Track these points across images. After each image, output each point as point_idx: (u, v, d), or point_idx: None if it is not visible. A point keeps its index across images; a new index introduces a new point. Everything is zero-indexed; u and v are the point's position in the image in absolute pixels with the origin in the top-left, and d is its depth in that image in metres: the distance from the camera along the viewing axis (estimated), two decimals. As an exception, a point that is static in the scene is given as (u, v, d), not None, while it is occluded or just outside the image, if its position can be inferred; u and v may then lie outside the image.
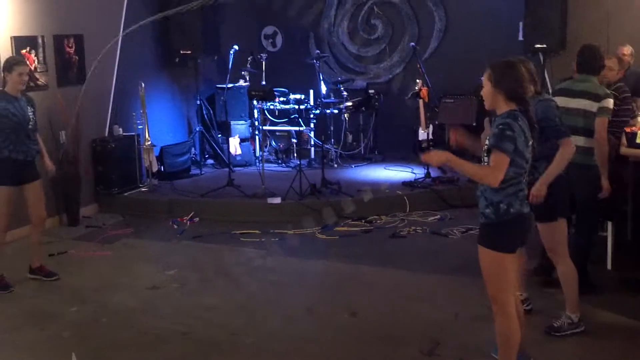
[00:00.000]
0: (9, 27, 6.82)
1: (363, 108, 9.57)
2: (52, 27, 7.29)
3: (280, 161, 9.62)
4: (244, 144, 9.45)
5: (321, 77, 9.57)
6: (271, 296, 5.33)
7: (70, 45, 7.52)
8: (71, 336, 4.68)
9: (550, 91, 5.81)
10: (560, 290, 4.58)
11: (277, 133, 9.66)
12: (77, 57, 7.60)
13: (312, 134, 9.46)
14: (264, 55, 9.79)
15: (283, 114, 9.42)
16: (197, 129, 9.60)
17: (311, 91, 9.72)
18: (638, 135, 5.54)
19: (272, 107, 9.39)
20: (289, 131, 9.53)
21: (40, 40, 7.13)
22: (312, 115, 9.33)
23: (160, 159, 8.70)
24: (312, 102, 9.58)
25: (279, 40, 10.73)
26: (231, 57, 8.91)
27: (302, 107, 9.22)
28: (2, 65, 5.55)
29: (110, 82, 8.14)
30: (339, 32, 10.46)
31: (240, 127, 9.47)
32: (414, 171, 8.71)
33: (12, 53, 6.71)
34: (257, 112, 9.32)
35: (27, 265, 5.75)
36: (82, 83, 7.65)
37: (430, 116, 8.66)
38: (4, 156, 5.33)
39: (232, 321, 4.85)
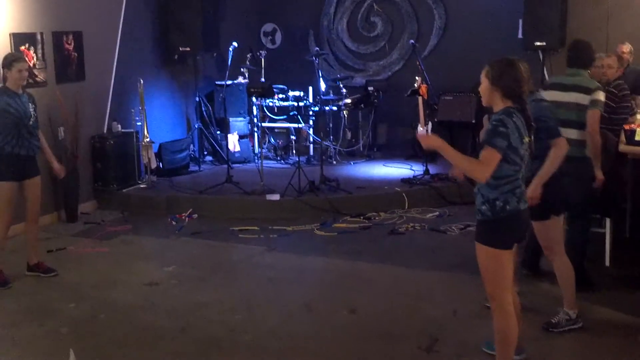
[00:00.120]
0: (8, 24, 6.81)
1: (362, 105, 9.57)
2: (51, 23, 7.28)
3: (279, 158, 9.62)
4: (243, 140, 9.45)
5: (320, 74, 9.54)
6: (270, 293, 5.33)
7: (69, 42, 7.51)
8: (69, 332, 4.68)
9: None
10: (556, 285, 4.59)
11: (276, 130, 9.66)
12: (76, 54, 7.59)
13: (311, 131, 9.45)
14: (263, 53, 9.78)
15: (282, 111, 9.42)
16: (196, 126, 9.60)
17: (310, 88, 9.72)
18: (637, 132, 5.55)
19: (271, 104, 9.39)
20: (287, 128, 9.53)
21: (39, 37, 7.12)
22: (311, 112, 9.32)
23: (159, 155, 8.69)
24: (311, 99, 9.58)
25: (278, 37, 10.73)
26: (230, 54, 8.90)
27: (301, 104, 9.22)
28: (1, 62, 5.53)
29: (109, 78, 8.13)
30: (338, 29, 10.45)
31: (239, 124, 9.47)
32: (413, 168, 8.72)
33: (11, 50, 6.70)
34: (256, 109, 9.31)
35: (25, 262, 5.75)
36: (81, 80, 7.65)
37: (429, 113, 8.66)
38: (6, 152, 5.34)
39: (230, 318, 4.85)
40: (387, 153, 9.67)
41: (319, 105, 9.25)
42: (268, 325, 4.73)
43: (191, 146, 9.45)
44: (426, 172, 8.16)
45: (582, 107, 4.86)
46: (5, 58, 5.53)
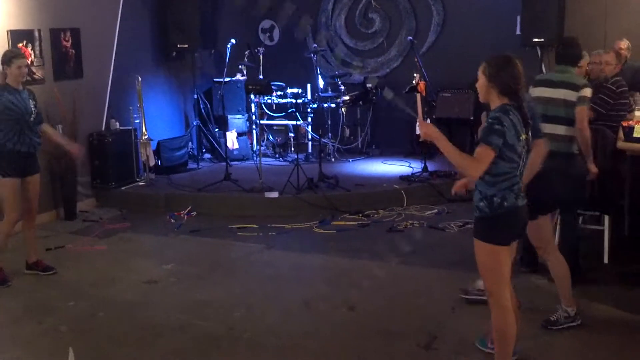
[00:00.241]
0: (5, 21, 6.79)
1: (360, 102, 9.56)
2: (49, 20, 7.27)
3: (277, 155, 9.62)
4: (241, 138, 9.45)
5: (318, 71, 9.55)
6: (269, 290, 5.33)
7: (67, 39, 7.50)
8: (69, 330, 4.68)
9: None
10: (554, 282, 4.60)
11: (275, 127, 9.65)
12: (73, 51, 7.58)
13: (309, 128, 9.45)
14: (261, 49, 9.77)
15: (280, 108, 9.42)
16: (195, 123, 9.59)
17: (308, 85, 9.71)
18: (635, 129, 5.55)
19: (269, 101, 9.38)
20: (286, 125, 9.52)
21: (36, 34, 7.11)
22: (309, 110, 9.32)
23: (157, 153, 8.68)
24: (309, 96, 9.57)
25: (276, 34, 10.71)
26: (228, 51, 8.89)
27: (299, 101, 9.21)
28: (0, 59, 5.52)
29: (107, 76, 8.12)
30: (336, 25, 10.44)
31: (237, 121, 9.46)
32: (411, 165, 8.72)
33: (9, 47, 6.69)
34: (255, 106, 9.30)
35: (23, 260, 5.74)
36: (79, 77, 7.64)
37: (427, 110, 8.66)
38: (8, 149, 5.34)
39: (229, 315, 4.85)
40: (386, 150, 9.67)
41: (317, 102, 9.25)
42: (267, 322, 4.73)
43: (190, 144, 9.44)
44: (424, 169, 8.17)
45: (569, 104, 4.92)
46: (5, 55, 5.52)
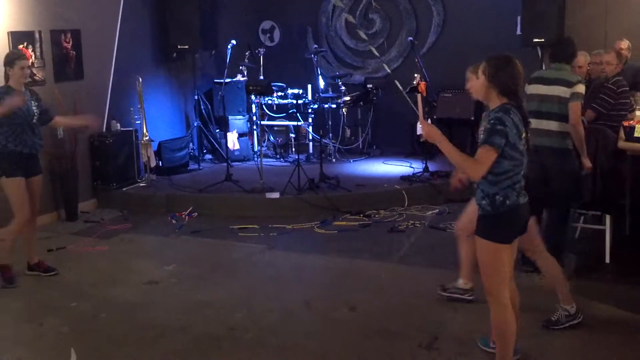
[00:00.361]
0: (5, 23, 6.80)
1: (361, 103, 9.57)
2: (49, 22, 7.27)
3: (278, 156, 9.62)
4: (242, 138, 9.45)
5: (319, 72, 9.55)
6: (270, 291, 5.33)
7: (67, 41, 7.50)
8: (70, 331, 4.68)
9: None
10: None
11: (275, 128, 9.66)
12: (74, 52, 7.59)
13: (310, 129, 9.46)
14: (261, 50, 9.77)
15: (281, 108, 9.42)
16: (195, 124, 9.60)
17: (309, 86, 9.71)
18: (636, 129, 5.55)
19: (270, 102, 9.39)
20: (287, 126, 9.53)
21: (37, 36, 7.11)
22: (310, 110, 9.32)
23: (158, 154, 8.69)
24: (310, 97, 9.58)
25: (276, 34, 10.72)
26: (229, 51, 8.89)
27: (300, 101, 9.22)
28: (3, 61, 5.52)
29: (107, 77, 8.12)
30: (336, 26, 10.44)
31: (238, 122, 9.47)
32: (412, 165, 8.72)
33: (9, 48, 6.69)
34: (255, 107, 9.31)
35: (25, 261, 5.74)
36: (80, 78, 7.64)
37: (428, 110, 8.66)
38: (9, 149, 5.34)
39: (230, 316, 4.85)
40: (387, 150, 9.67)
41: (318, 102, 9.25)
42: (268, 323, 4.73)
43: (190, 144, 9.45)
44: (425, 169, 8.17)
45: (563, 100, 5.04)
46: (7, 56, 5.53)
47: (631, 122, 5.80)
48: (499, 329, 3.65)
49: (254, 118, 9.40)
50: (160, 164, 8.71)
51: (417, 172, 8.21)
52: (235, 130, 9.34)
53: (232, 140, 9.18)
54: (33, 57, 7.04)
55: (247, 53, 9.58)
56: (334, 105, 9.33)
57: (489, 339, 4.09)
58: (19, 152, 5.38)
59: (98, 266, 6.01)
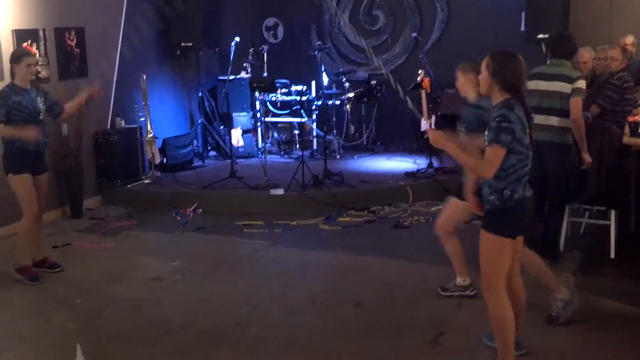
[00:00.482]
0: (10, 21, 6.81)
1: (365, 99, 9.56)
2: (53, 20, 7.28)
3: (282, 152, 9.63)
4: (246, 135, 9.46)
5: (323, 69, 9.55)
6: (274, 287, 5.34)
7: (71, 38, 7.51)
8: (76, 327, 4.70)
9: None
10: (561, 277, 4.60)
11: (279, 124, 9.66)
12: (78, 50, 7.60)
13: (314, 125, 9.46)
14: (265, 47, 9.77)
15: (285, 105, 9.42)
16: (199, 121, 9.61)
17: (313, 82, 9.71)
18: (641, 124, 5.54)
19: (274, 98, 9.39)
20: (291, 123, 9.53)
21: (41, 33, 7.12)
22: (314, 107, 9.32)
23: (162, 151, 8.70)
24: (314, 94, 9.58)
25: (280, 31, 10.71)
26: (232, 49, 8.90)
27: (304, 98, 9.22)
28: (9, 58, 5.53)
29: (112, 74, 8.13)
30: (340, 23, 10.43)
31: (242, 118, 9.47)
32: (417, 162, 8.71)
33: (14, 46, 6.70)
34: (259, 103, 9.31)
35: (30, 258, 5.75)
36: (84, 76, 7.65)
37: (432, 107, 8.65)
38: (16, 147, 5.35)
39: (235, 312, 4.86)
40: (391, 147, 9.67)
41: (322, 99, 9.25)
42: (273, 319, 4.74)
43: (195, 141, 9.46)
44: (430, 165, 8.16)
45: (564, 96, 5.10)
46: (14, 53, 5.54)
47: (636, 117, 5.79)
48: (498, 320, 3.67)
49: (258, 115, 9.40)
50: (165, 161, 8.72)
51: (422, 168, 8.21)
52: (240, 127, 9.35)
53: (236, 137, 9.18)
54: (37, 55, 7.04)
55: (250, 50, 9.58)
56: (337, 102, 9.33)
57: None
58: (26, 150, 5.38)
59: (103, 263, 6.03)
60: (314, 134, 9.56)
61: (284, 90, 9.38)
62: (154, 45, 9.03)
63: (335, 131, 9.41)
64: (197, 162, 9.25)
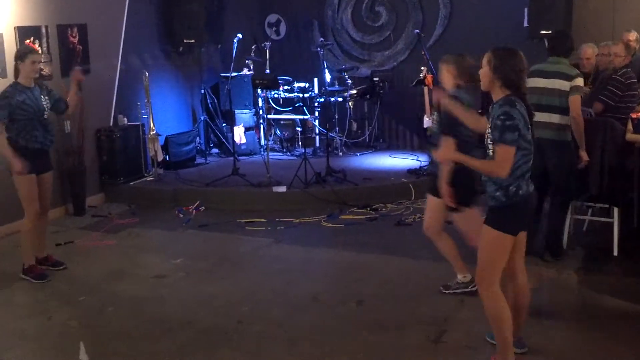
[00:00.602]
0: (12, 18, 6.81)
1: (368, 96, 9.55)
2: (56, 16, 7.28)
3: (285, 150, 9.62)
4: (249, 132, 9.46)
5: (325, 65, 9.54)
6: (277, 284, 5.34)
7: (74, 35, 7.51)
8: (78, 325, 4.71)
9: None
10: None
11: (282, 122, 9.66)
12: (80, 47, 7.60)
13: (316, 122, 9.45)
14: (267, 44, 9.77)
15: (287, 102, 9.42)
16: (202, 118, 9.61)
17: (315, 79, 9.70)
18: (644, 121, 5.52)
19: (276, 95, 9.38)
20: (293, 120, 9.52)
21: (43, 30, 7.12)
22: (316, 104, 9.32)
23: (165, 148, 8.71)
24: (316, 91, 9.57)
25: (282, 28, 10.69)
26: (235, 45, 8.89)
27: (306, 95, 9.21)
28: (14, 55, 5.53)
29: (114, 72, 8.13)
30: (342, 19, 10.42)
31: (244, 116, 9.47)
32: (419, 159, 8.70)
33: (16, 43, 6.71)
34: (262, 100, 9.31)
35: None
36: (86, 73, 7.64)
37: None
38: (20, 145, 5.34)
39: (237, 310, 4.86)
40: (393, 144, 9.66)
41: (324, 96, 9.24)
42: (275, 316, 4.74)
43: (197, 139, 9.46)
44: (432, 162, 8.15)
45: (563, 93, 5.15)
46: (19, 50, 5.55)
47: (639, 114, 5.76)
48: (494, 317, 3.68)
49: (261, 112, 9.40)
50: (167, 158, 8.72)
51: (424, 165, 8.20)
52: (242, 124, 9.35)
53: (239, 134, 9.18)
54: (40, 52, 7.04)
55: (253, 47, 9.58)
56: (340, 99, 9.31)
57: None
58: (30, 148, 5.38)
59: (106, 260, 6.03)
60: (317, 131, 9.55)
61: (286, 87, 9.37)
62: (156, 42, 9.03)
63: (337, 128, 9.40)
64: (199, 160, 9.26)
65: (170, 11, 9.05)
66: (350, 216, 7.06)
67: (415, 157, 8.82)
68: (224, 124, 9.65)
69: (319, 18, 10.51)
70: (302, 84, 9.35)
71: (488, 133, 3.57)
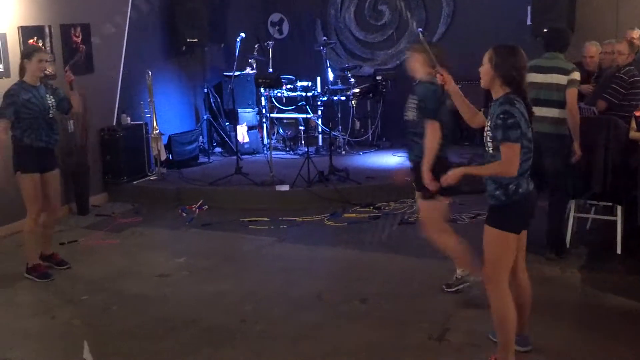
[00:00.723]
0: (16, 17, 6.82)
1: (370, 95, 9.54)
2: (59, 16, 7.30)
3: (288, 149, 9.63)
4: (252, 131, 9.46)
5: (328, 64, 9.54)
6: (280, 283, 5.35)
7: (77, 35, 7.52)
8: (82, 324, 4.71)
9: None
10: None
11: (285, 121, 9.66)
12: (83, 47, 7.61)
13: (319, 121, 9.44)
14: (270, 43, 9.76)
15: (290, 101, 9.41)
16: (205, 117, 9.61)
17: (318, 78, 9.70)
18: (648, 119, 5.51)
19: (279, 94, 9.38)
20: (296, 118, 9.52)
21: (47, 30, 7.14)
22: (319, 103, 9.31)
23: (168, 147, 8.72)
24: (319, 89, 9.56)
25: (285, 27, 10.70)
26: (238, 44, 8.89)
27: (309, 94, 9.20)
28: (21, 54, 5.54)
29: (117, 71, 8.15)
30: (345, 18, 10.41)
31: (247, 115, 9.47)
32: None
33: (20, 43, 6.73)
34: (265, 99, 9.31)
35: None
36: (90, 72, 7.67)
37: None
38: (25, 144, 5.36)
39: (241, 308, 4.87)
40: (396, 142, 9.64)
41: (327, 95, 9.24)
42: (279, 315, 4.75)
43: (200, 138, 9.47)
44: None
45: (561, 87, 5.23)
46: (26, 48, 5.58)
47: (643, 112, 5.75)
48: (499, 315, 3.67)
49: (264, 111, 9.40)
50: (171, 158, 8.73)
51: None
52: (245, 123, 9.35)
53: (242, 133, 9.19)
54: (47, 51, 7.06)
55: (256, 46, 9.57)
56: (343, 98, 9.31)
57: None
58: (35, 147, 5.39)
59: (109, 259, 6.04)
60: (320, 130, 9.55)
61: (289, 86, 9.37)
62: (159, 41, 9.04)
63: (340, 127, 9.40)
64: (202, 159, 9.27)
65: (173, 10, 9.06)
66: (353, 215, 7.06)
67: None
68: (227, 123, 9.66)
69: (321, 17, 10.52)
70: (305, 83, 9.34)
71: (487, 131, 3.57)
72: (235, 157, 8.33)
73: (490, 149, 3.56)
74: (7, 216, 6.55)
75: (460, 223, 6.64)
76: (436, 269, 5.44)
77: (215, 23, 9.58)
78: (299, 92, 9.31)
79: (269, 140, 8.95)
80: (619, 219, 5.53)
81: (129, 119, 8.21)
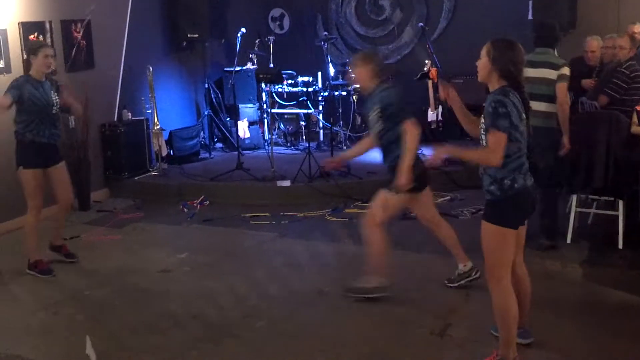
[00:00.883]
0: (16, 13, 6.82)
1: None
2: (60, 12, 7.29)
3: (289, 144, 9.62)
4: (253, 127, 9.45)
5: (329, 59, 9.52)
6: (282, 279, 5.35)
7: (77, 30, 7.51)
8: (84, 319, 4.72)
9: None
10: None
11: (286, 116, 9.65)
12: (84, 42, 7.60)
13: (320, 117, 9.44)
14: (271, 38, 9.76)
15: (291, 96, 9.41)
16: (206, 113, 9.61)
17: (319, 73, 9.68)
18: (649, 113, 5.51)
19: (280, 89, 9.37)
20: (297, 114, 9.52)
21: (47, 26, 7.13)
22: (320, 98, 9.30)
23: (169, 143, 8.72)
24: (320, 85, 9.55)
25: (286, 22, 10.68)
26: (239, 40, 8.88)
27: (310, 89, 9.20)
28: (27, 49, 5.54)
29: (118, 66, 8.14)
30: (346, 13, 10.39)
31: (248, 110, 9.47)
32: (424, 152, 8.66)
33: (21, 39, 6.72)
34: (266, 95, 9.30)
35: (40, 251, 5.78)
36: (90, 68, 7.66)
37: (439, 97, 8.61)
38: (27, 140, 5.36)
39: (243, 304, 4.87)
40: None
41: (328, 90, 9.23)
42: (281, 311, 4.75)
43: (201, 133, 9.46)
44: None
45: (550, 82, 5.31)
46: (32, 44, 5.58)
47: (644, 106, 5.75)
48: (501, 311, 3.67)
49: (265, 106, 9.39)
50: (172, 153, 8.73)
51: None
52: (246, 118, 9.34)
53: (243, 129, 9.18)
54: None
55: (256, 41, 9.56)
56: (344, 93, 9.30)
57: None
58: (37, 142, 5.38)
59: (111, 255, 6.05)
60: (321, 125, 9.54)
61: (290, 81, 9.36)
62: (160, 36, 9.03)
63: (341, 122, 9.39)
64: (203, 154, 9.27)
65: (174, 6, 9.05)
66: (355, 210, 7.06)
67: (419, 151, 8.78)
68: (228, 119, 9.66)
69: (322, 12, 10.50)
70: (306, 78, 9.34)
71: (482, 123, 3.57)
72: (236, 152, 8.34)
73: (484, 142, 3.55)
74: (9, 212, 6.55)
75: (462, 218, 6.63)
76: (437, 264, 5.44)
77: (215, 18, 9.57)
78: (300, 88, 9.30)
79: (270, 136, 8.94)
80: (620, 213, 5.53)
81: (129, 114, 8.20)
